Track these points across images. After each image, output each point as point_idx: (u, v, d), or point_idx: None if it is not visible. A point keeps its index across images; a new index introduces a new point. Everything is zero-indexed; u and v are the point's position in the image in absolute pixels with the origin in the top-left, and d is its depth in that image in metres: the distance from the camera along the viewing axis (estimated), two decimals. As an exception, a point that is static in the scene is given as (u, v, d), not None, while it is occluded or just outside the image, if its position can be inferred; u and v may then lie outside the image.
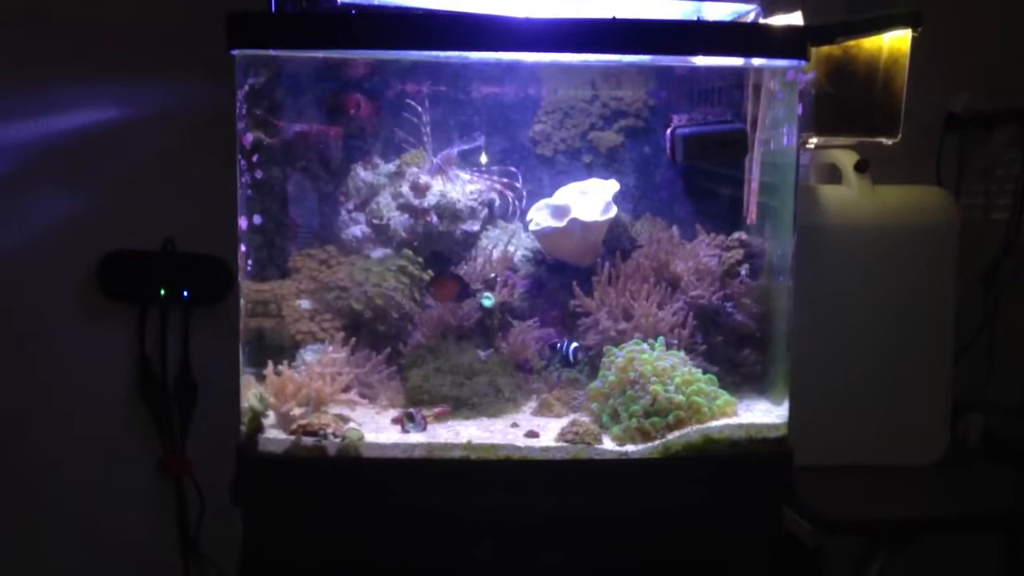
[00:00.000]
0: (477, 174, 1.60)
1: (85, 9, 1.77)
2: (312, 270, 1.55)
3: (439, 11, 1.39)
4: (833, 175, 1.80)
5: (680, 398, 1.39)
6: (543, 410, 1.48)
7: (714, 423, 1.38)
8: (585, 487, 1.35)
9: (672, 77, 1.64)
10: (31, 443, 1.83)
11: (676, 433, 1.37)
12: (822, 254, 1.68)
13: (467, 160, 1.60)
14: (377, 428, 1.40)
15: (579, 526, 1.37)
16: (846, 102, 1.65)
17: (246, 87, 1.41)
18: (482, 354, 1.52)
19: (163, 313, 1.84)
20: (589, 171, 1.64)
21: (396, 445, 1.34)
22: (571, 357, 1.52)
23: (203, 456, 1.86)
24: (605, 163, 1.64)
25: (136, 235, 1.80)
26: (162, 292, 1.82)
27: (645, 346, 1.46)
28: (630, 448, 1.36)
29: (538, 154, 1.64)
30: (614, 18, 1.33)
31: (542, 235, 1.59)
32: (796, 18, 1.47)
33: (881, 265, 1.72)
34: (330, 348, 1.48)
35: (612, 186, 1.58)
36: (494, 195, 1.62)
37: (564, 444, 1.35)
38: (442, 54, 1.42)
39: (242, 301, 1.44)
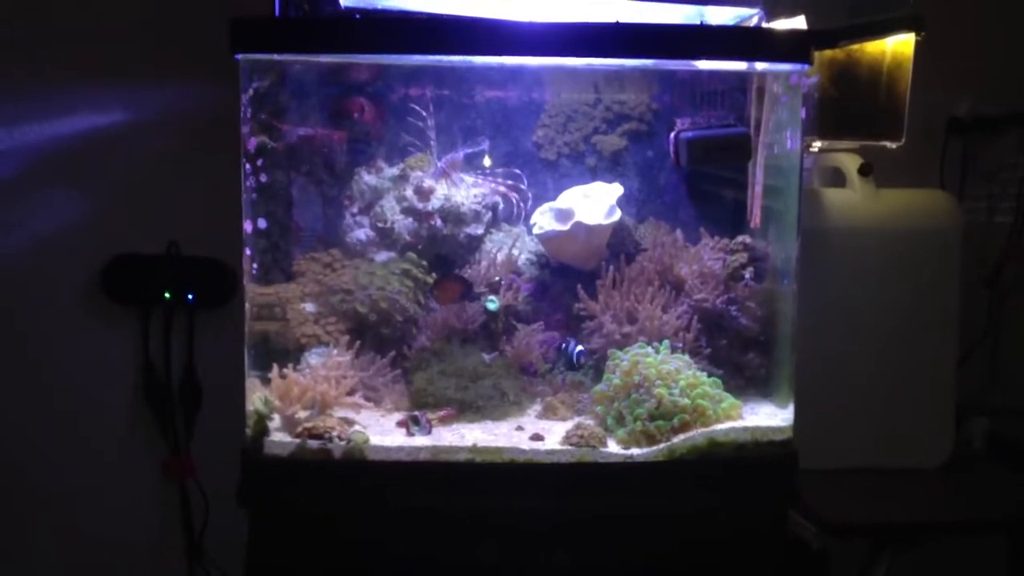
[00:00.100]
0: (482, 177, 1.61)
1: (88, 13, 1.77)
2: (316, 273, 1.55)
3: (442, 15, 1.40)
4: (837, 178, 1.80)
5: (685, 401, 1.39)
6: (548, 413, 1.48)
7: (719, 426, 1.38)
8: (590, 490, 1.35)
9: (675, 81, 1.64)
10: (35, 446, 1.83)
11: (681, 436, 1.37)
12: (826, 257, 1.68)
13: (471, 164, 1.60)
14: (382, 431, 1.40)
15: (584, 529, 1.37)
16: (849, 106, 1.65)
17: (250, 91, 1.41)
18: (487, 357, 1.52)
19: (167, 316, 1.84)
20: (593, 175, 1.64)
21: (401, 448, 1.34)
22: (576, 360, 1.52)
23: (208, 459, 1.86)
24: (609, 167, 1.65)
25: (140, 238, 1.81)
26: (166, 295, 1.82)
27: (649, 349, 1.46)
28: (635, 451, 1.36)
29: (542, 158, 1.64)
30: (617, 22, 1.33)
31: (546, 239, 1.59)
32: (799, 22, 1.48)
33: (885, 269, 1.72)
34: (335, 351, 1.48)
35: (616, 190, 1.58)
36: (498, 199, 1.63)
37: (569, 447, 1.36)
38: (445, 58, 1.42)
39: (247, 304, 1.44)
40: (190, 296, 1.83)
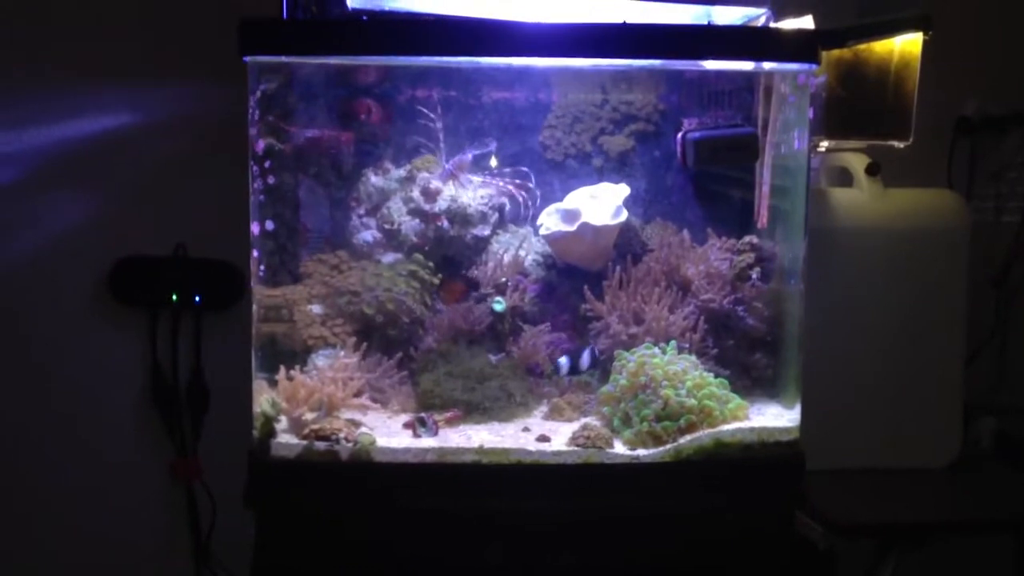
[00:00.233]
0: (490, 177, 1.61)
1: (96, 15, 1.77)
2: (323, 275, 1.55)
3: (450, 17, 1.40)
4: (844, 178, 1.80)
5: (692, 402, 1.39)
6: (554, 414, 1.48)
7: (726, 427, 1.38)
8: (596, 491, 1.35)
9: (682, 81, 1.64)
10: (42, 447, 1.83)
11: (688, 437, 1.37)
12: (833, 257, 1.67)
13: (478, 165, 1.60)
14: (389, 432, 1.40)
15: (590, 530, 1.37)
16: (857, 105, 1.64)
17: (258, 93, 1.41)
18: (493, 358, 1.52)
19: (175, 318, 1.84)
20: (599, 175, 1.64)
21: (408, 450, 1.35)
22: (583, 364, 1.52)
23: (215, 461, 1.86)
24: (615, 167, 1.64)
25: (148, 240, 1.81)
26: (174, 297, 1.82)
27: (656, 350, 1.46)
28: (641, 452, 1.36)
29: (548, 159, 1.64)
30: (624, 22, 1.33)
31: (553, 239, 1.59)
32: (807, 22, 1.47)
33: (892, 268, 1.71)
34: (342, 353, 1.48)
35: (622, 190, 1.58)
36: (505, 199, 1.62)
37: (575, 448, 1.36)
38: (453, 60, 1.42)
39: (254, 306, 1.44)
40: (197, 298, 1.83)
